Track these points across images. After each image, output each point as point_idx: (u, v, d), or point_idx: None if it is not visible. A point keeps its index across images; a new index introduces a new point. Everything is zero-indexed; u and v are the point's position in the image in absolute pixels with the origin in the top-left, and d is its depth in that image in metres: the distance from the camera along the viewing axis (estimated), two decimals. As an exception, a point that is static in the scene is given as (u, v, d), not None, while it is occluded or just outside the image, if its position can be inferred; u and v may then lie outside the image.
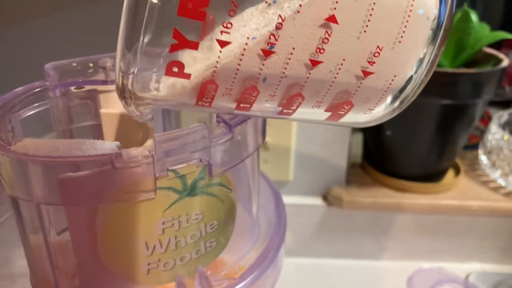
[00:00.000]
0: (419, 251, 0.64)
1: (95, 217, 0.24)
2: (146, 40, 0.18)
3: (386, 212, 0.62)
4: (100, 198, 0.23)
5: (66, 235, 0.25)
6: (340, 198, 0.61)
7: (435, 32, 0.21)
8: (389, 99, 0.23)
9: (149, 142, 0.27)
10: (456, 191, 0.64)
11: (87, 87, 0.31)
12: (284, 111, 0.23)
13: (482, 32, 0.57)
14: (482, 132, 0.72)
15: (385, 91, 0.22)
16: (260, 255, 0.31)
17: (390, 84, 0.22)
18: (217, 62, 0.20)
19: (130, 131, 0.30)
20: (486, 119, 0.74)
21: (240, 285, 0.28)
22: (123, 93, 0.20)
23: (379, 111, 0.24)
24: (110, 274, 0.25)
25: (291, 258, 0.64)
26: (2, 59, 0.56)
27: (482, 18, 0.58)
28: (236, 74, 0.20)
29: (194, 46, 0.19)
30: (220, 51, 0.19)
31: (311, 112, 0.24)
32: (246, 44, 0.19)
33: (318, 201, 0.63)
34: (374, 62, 0.21)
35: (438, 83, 0.56)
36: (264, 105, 0.22)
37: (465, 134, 0.61)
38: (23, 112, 0.28)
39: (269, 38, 0.19)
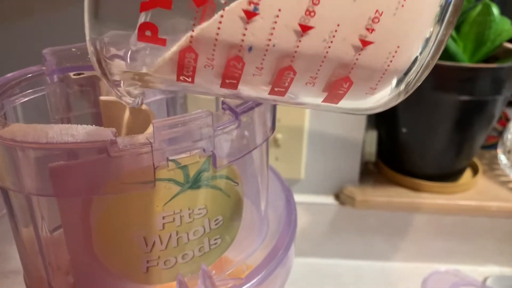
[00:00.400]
0: (434, 252, 0.63)
1: (89, 209, 0.22)
2: (114, 3, 0.17)
3: (400, 212, 0.60)
4: (94, 189, 0.21)
5: (59, 231, 0.23)
6: (353, 197, 0.60)
7: (444, 8, 0.19)
8: (394, 81, 0.20)
9: (149, 130, 0.25)
10: (474, 191, 0.62)
11: (87, 73, 0.29)
12: (276, 89, 0.21)
13: (503, 26, 0.55)
14: (500, 133, 0.70)
15: (388, 66, 0.20)
16: (269, 254, 0.29)
17: (394, 57, 0.19)
18: (193, 24, 0.18)
19: (132, 121, 0.29)
20: (504, 120, 0.72)
21: (247, 285, 0.26)
22: (101, 66, 0.18)
23: (384, 96, 0.21)
24: (106, 271, 0.24)
25: (302, 258, 0.63)
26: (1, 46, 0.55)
27: (503, 11, 0.56)
28: (216, 39, 0.18)
29: (167, 4, 0.17)
30: (197, 11, 0.17)
31: (305, 91, 0.21)
32: (226, 3, 0.17)
33: (330, 200, 0.62)
34: (373, 29, 0.19)
35: (456, 79, 0.54)
36: (252, 81, 0.20)
37: (484, 132, 0.59)
38: (17, 98, 0.27)
39: None
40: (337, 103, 0.22)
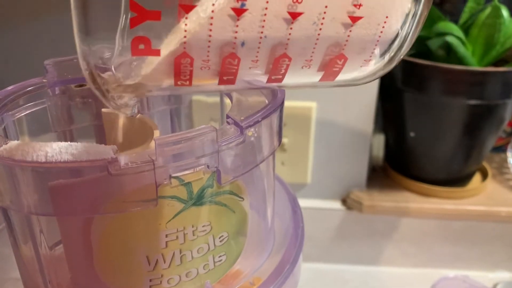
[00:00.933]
0: (443, 258, 0.62)
1: (90, 228, 0.22)
2: (103, 19, 0.16)
3: (408, 217, 0.59)
4: (95, 208, 0.20)
5: (59, 249, 0.23)
6: (360, 202, 0.59)
7: None
8: (377, 51, 0.21)
9: (152, 145, 0.25)
10: (483, 196, 0.61)
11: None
12: (273, 77, 0.21)
13: (514, 29, 0.54)
14: (509, 134, 0.69)
15: (379, 37, 0.20)
16: (276, 269, 0.28)
17: (383, 27, 0.20)
18: (185, 31, 0.18)
19: (134, 133, 0.28)
20: (513, 121, 0.71)
21: (253, 301, 0.25)
22: (95, 83, 0.18)
23: (370, 65, 0.22)
24: (108, 290, 0.23)
25: (309, 264, 0.63)
26: (3, 56, 0.55)
27: (512, 13, 0.55)
28: (209, 41, 0.18)
29: (156, 16, 0.17)
30: (186, 17, 0.17)
31: (302, 74, 0.22)
32: (213, 5, 0.17)
33: (337, 205, 0.61)
34: (360, 5, 0.19)
35: (465, 82, 0.53)
36: (249, 74, 0.21)
37: (493, 136, 0.58)
38: (18, 111, 0.26)
39: None
40: (333, 80, 0.22)
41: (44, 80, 0.28)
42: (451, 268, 0.62)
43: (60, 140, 0.30)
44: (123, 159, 0.20)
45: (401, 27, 0.20)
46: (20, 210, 0.21)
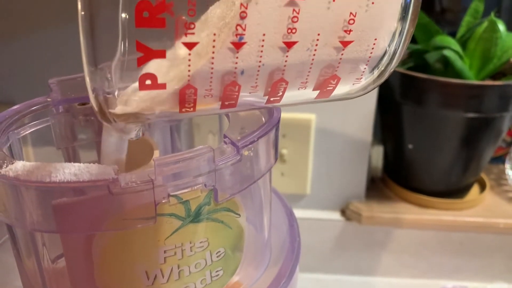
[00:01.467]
0: (442, 269, 0.62)
1: (91, 244, 0.22)
2: (112, 59, 0.17)
3: (407, 228, 0.60)
4: (97, 226, 0.21)
5: (61, 262, 0.24)
6: (359, 213, 0.60)
7: (405, 8, 0.21)
8: (368, 69, 0.23)
9: (151, 164, 0.26)
10: (481, 207, 0.61)
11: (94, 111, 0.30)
12: (271, 99, 0.22)
13: (510, 43, 0.55)
14: (509, 144, 0.70)
15: (370, 57, 0.22)
16: (272, 282, 0.29)
17: (373, 48, 0.21)
18: (189, 65, 0.19)
19: (134, 150, 0.29)
20: (512, 130, 0.71)
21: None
22: (104, 115, 0.19)
23: (361, 82, 0.24)
24: (108, 304, 0.24)
25: (308, 274, 0.63)
26: (7, 72, 0.56)
27: (509, 28, 0.56)
28: (211, 73, 0.20)
29: (161, 54, 0.18)
30: (189, 54, 0.19)
31: (299, 94, 0.23)
32: (214, 40, 0.19)
33: (336, 216, 0.61)
34: (350, 30, 0.20)
35: (463, 96, 0.54)
36: (249, 98, 0.22)
37: (491, 148, 0.59)
38: (23, 129, 0.27)
39: (236, 29, 0.19)
40: (328, 97, 0.24)
41: (48, 99, 0.28)
42: (450, 279, 0.62)
43: (63, 155, 0.31)
44: (123, 179, 0.21)
45: (389, 45, 0.22)
46: (24, 227, 0.22)
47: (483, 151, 0.58)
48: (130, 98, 0.19)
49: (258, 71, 0.20)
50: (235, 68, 0.20)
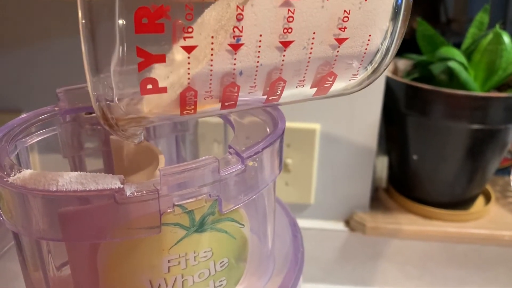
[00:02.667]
0: (446, 281, 0.62)
1: (96, 253, 0.22)
2: (113, 65, 0.18)
3: (411, 239, 0.60)
4: (102, 234, 0.21)
5: (66, 270, 0.24)
6: (363, 223, 0.59)
7: (396, 8, 0.22)
8: (363, 65, 0.23)
9: (156, 174, 0.26)
10: (486, 219, 0.61)
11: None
12: (270, 98, 0.23)
13: (515, 54, 0.55)
14: (514, 156, 0.69)
15: (365, 53, 0.22)
16: (275, 293, 0.29)
17: (368, 45, 0.22)
18: (189, 68, 0.19)
19: (140, 159, 0.29)
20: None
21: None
22: (107, 121, 0.20)
23: (358, 78, 0.24)
24: (112, 312, 0.24)
25: (312, 284, 0.63)
26: (15, 80, 0.56)
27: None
28: (211, 75, 0.20)
29: (161, 59, 0.19)
30: (189, 57, 0.19)
31: (297, 93, 0.24)
32: (212, 43, 0.19)
33: (340, 226, 0.61)
34: (345, 28, 0.21)
35: (467, 107, 0.54)
36: (248, 98, 0.22)
37: (496, 160, 0.59)
38: (30, 138, 0.28)
39: (233, 31, 0.19)
40: (325, 93, 0.24)
41: (56, 109, 0.29)
42: (455, 291, 0.62)
43: (70, 164, 0.31)
44: (129, 188, 0.21)
45: (381, 43, 0.22)
46: (30, 235, 0.22)
47: (488, 163, 0.58)
48: (132, 103, 0.20)
49: (257, 71, 0.21)
50: (234, 69, 0.20)
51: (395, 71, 0.63)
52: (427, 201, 0.61)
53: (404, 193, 0.63)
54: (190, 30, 0.18)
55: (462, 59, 0.55)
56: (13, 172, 0.21)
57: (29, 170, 0.22)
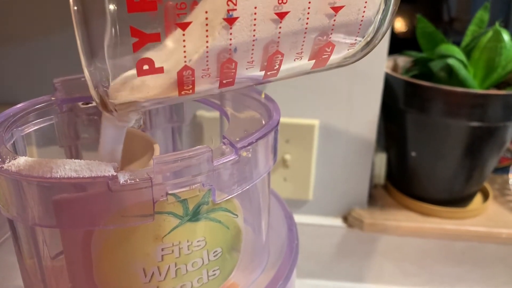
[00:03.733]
0: (443, 278, 0.62)
1: (90, 240, 0.23)
2: (107, 48, 0.18)
3: (409, 236, 0.60)
4: (96, 222, 0.22)
5: (61, 260, 0.24)
6: (361, 220, 0.60)
7: None
8: (360, 35, 0.23)
9: (151, 164, 0.26)
10: (484, 217, 0.61)
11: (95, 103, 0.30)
12: (269, 73, 0.23)
13: (515, 52, 0.55)
14: (514, 155, 0.69)
15: (361, 21, 0.22)
16: (269, 284, 0.29)
17: (364, 12, 0.22)
18: (184, 46, 0.19)
19: (136, 148, 0.29)
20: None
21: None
22: (105, 107, 0.20)
23: (355, 48, 0.24)
24: (106, 300, 0.24)
25: (309, 280, 0.63)
26: (14, 73, 0.56)
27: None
28: (207, 52, 0.20)
29: (156, 38, 0.19)
30: (184, 34, 0.19)
31: (295, 66, 0.23)
32: (207, 18, 0.19)
33: (338, 222, 0.61)
34: None
35: (466, 104, 0.54)
36: (246, 74, 0.22)
37: (494, 158, 0.59)
38: (27, 127, 0.28)
39: (228, 5, 0.19)
40: (324, 65, 0.24)
41: (53, 98, 0.29)
42: (452, 288, 0.62)
43: (66, 154, 0.31)
44: (122, 176, 0.21)
45: (374, 16, 0.23)
46: (25, 222, 0.22)
47: (486, 160, 0.58)
48: (129, 86, 0.20)
49: (253, 45, 0.21)
50: (230, 44, 0.20)
51: (395, 68, 0.63)
52: (425, 198, 0.61)
53: (402, 190, 0.63)
54: (183, 6, 0.18)
55: (462, 56, 0.55)
56: (8, 159, 0.22)
57: (24, 157, 0.22)
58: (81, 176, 0.21)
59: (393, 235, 0.60)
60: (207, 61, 0.20)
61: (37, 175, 0.21)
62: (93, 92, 0.19)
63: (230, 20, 0.19)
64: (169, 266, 0.24)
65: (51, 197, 0.21)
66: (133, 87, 0.20)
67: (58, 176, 0.20)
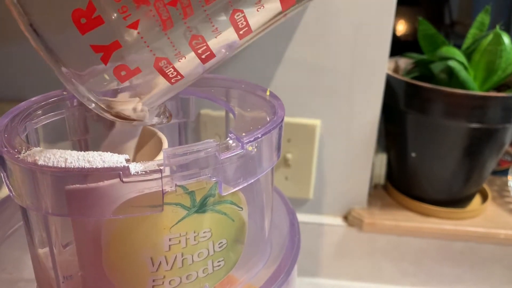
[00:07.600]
0: (442, 278, 0.62)
1: (100, 229, 0.23)
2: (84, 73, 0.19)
3: (408, 236, 0.60)
4: (106, 211, 0.22)
5: (71, 247, 0.25)
6: (361, 219, 0.60)
7: None
8: None
9: (160, 156, 0.27)
10: (482, 218, 0.62)
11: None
12: (241, 32, 0.23)
13: (515, 55, 0.56)
14: (513, 158, 0.70)
15: None
16: (270, 277, 0.30)
17: None
18: (145, 41, 0.20)
19: (145, 143, 0.30)
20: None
21: (248, 307, 0.27)
22: (120, 117, 0.21)
23: None
24: (114, 288, 0.25)
25: (308, 278, 0.63)
26: (25, 68, 0.57)
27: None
28: (168, 38, 0.21)
29: (117, 45, 0.20)
30: (138, 32, 0.20)
31: (263, 14, 0.23)
32: (151, 11, 0.20)
33: (338, 221, 0.62)
34: None
35: (466, 106, 0.55)
36: (222, 43, 0.22)
37: (494, 159, 0.59)
38: (39, 120, 0.29)
39: None
40: (294, 3, 0.23)
41: (64, 93, 0.30)
42: (450, 288, 0.63)
43: (75, 148, 0.32)
44: (133, 167, 0.22)
45: None
46: (38, 210, 0.23)
47: (485, 162, 0.59)
48: (123, 95, 0.21)
49: (207, 13, 0.21)
50: (185, 22, 0.21)
51: (396, 69, 0.64)
52: (424, 198, 0.62)
53: (402, 190, 0.64)
54: (125, 9, 0.19)
55: (462, 58, 0.56)
56: (23, 150, 0.22)
57: (38, 148, 0.23)
58: (94, 166, 0.21)
59: (393, 234, 0.61)
60: (173, 45, 0.21)
61: (51, 165, 0.21)
62: (106, 115, 0.20)
63: (174, 2, 0.20)
64: (176, 256, 0.25)
65: (64, 187, 0.22)
66: (127, 94, 0.21)
67: (72, 167, 0.21)
